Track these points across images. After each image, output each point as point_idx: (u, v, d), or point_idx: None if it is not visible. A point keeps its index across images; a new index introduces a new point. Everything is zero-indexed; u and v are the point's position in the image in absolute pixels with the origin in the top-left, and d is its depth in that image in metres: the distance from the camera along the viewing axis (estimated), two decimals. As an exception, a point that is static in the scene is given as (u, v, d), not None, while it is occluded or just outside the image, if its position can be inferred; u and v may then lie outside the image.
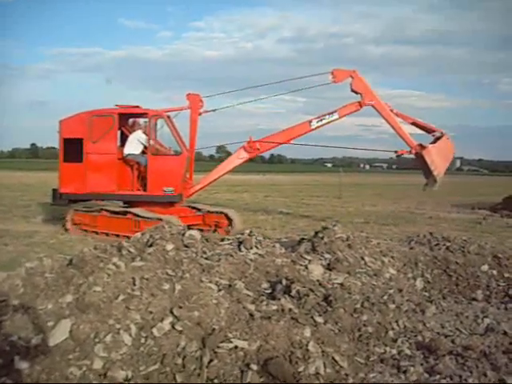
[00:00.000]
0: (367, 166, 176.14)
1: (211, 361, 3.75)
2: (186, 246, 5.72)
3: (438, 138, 13.90)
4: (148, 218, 11.58)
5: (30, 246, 10.52)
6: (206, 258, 5.59)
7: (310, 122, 13.73)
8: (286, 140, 13.96)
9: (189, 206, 13.63)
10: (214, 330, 4.04)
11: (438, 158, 13.42)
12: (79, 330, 3.88)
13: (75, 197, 12.83)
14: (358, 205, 23.72)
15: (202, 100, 13.36)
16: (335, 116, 13.78)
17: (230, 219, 12.95)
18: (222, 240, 6.95)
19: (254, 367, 3.70)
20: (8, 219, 15.19)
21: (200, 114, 13.35)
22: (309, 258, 6.98)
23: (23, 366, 3.68)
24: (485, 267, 8.04)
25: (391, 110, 14.00)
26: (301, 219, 16.78)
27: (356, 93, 13.77)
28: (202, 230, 11.53)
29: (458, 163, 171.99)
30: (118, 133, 13.13)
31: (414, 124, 14.67)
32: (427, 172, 13.59)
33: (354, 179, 51.22)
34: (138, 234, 6.11)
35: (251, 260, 6.00)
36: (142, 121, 13.24)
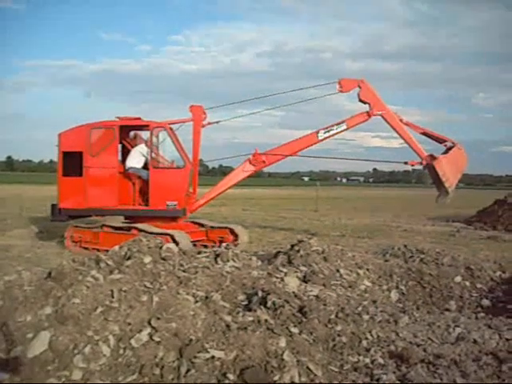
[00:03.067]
0: (344, 180, 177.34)
1: (188, 370, 3.82)
2: (164, 259, 5.78)
3: (449, 148, 13.55)
4: (155, 233, 10.91)
5: (7, 260, 10.46)
6: (184, 271, 5.66)
7: (318, 133, 13.44)
8: (293, 152, 13.64)
9: (193, 222, 13.36)
10: (191, 340, 4.12)
11: (449, 169, 13.08)
12: (58, 342, 3.93)
13: (75, 212, 12.51)
14: (335, 218, 23.96)
15: (204, 112, 13.11)
16: (343, 127, 13.50)
17: (235, 234, 12.74)
18: (199, 253, 7.02)
19: (231, 376, 3.79)
20: (-17, 233, 15.07)
21: (203, 125, 13.11)
22: (285, 270, 7.10)
23: (3, 377, 3.73)
24: (458, 278, 8.20)
25: (401, 120, 13.69)
26: (278, 232, 16.90)
27: (364, 103, 13.48)
28: (206, 246, 11.46)
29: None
30: (119, 146, 12.84)
31: (425, 134, 14.25)
32: (439, 184, 13.29)
33: (330, 193, 51.65)
34: (116, 248, 6.15)
35: (228, 272, 6.09)
36: (143, 134, 12.99)
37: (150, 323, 4.23)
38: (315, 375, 4.09)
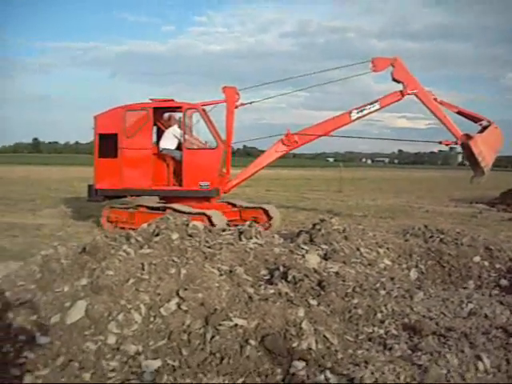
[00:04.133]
0: (369, 161, 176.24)
1: (213, 337, 4.13)
2: (190, 236, 6.08)
3: (485, 128, 13.26)
4: (191, 213, 11.23)
5: (39, 238, 10.88)
6: (209, 247, 5.96)
7: (350, 112, 13.30)
8: (326, 132, 13.53)
9: (225, 202, 13.45)
10: (216, 309, 4.43)
11: (485, 149, 12.83)
12: (94, 310, 4.27)
13: (111, 192, 12.73)
14: (358, 199, 24.03)
15: (238, 93, 13.18)
16: (376, 106, 13.35)
17: (268, 214, 12.80)
18: (224, 230, 7.32)
19: (253, 343, 4.10)
20: (15, 212, 15.60)
21: (236, 107, 13.15)
22: (306, 248, 7.34)
23: (44, 341, 4.08)
24: (477, 258, 8.31)
25: (435, 99, 13.49)
26: (301, 212, 17.08)
27: (398, 82, 13.30)
28: None
29: (459, 158, 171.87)
30: (154, 128, 12.98)
31: (460, 113, 13.89)
32: (474, 163, 13.05)
33: (355, 174, 51.53)
34: (145, 225, 6.47)
35: (251, 249, 6.38)
36: (178, 115, 13.01)
37: (178, 294, 4.55)
38: (331, 343, 4.39)
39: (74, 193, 22.84)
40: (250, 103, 13.62)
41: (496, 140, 13.26)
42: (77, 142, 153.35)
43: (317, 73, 14.41)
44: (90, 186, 12.90)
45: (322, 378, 3.84)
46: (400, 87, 13.30)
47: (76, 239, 10.40)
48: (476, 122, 13.62)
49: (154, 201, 13.16)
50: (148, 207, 12.39)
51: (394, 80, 13.28)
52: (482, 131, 13.19)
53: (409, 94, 13.18)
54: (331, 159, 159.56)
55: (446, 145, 13.61)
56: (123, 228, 11.82)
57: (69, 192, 23.32)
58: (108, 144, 12.31)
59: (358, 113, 13.25)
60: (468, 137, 12.89)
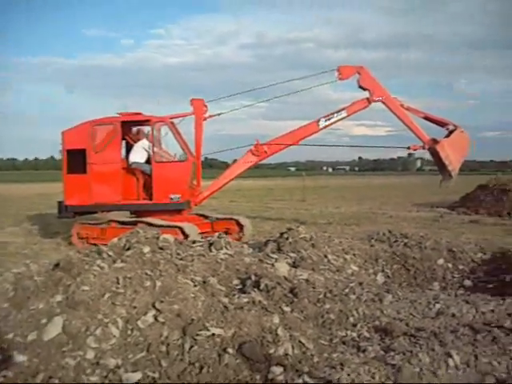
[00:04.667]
0: (330, 169, 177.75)
1: (192, 347, 4.20)
2: (161, 249, 6.11)
3: (451, 132, 13.44)
4: (164, 226, 11.19)
5: (5, 256, 10.71)
6: (181, 259, 6.00)
7: (318, 121, 13.45)
8: (294, 141, 13.64)
9: (197, 214, 13.43)
10: (192, 320, 4.50)
11: (452, 153, 13.03)
12: (71, 325, 4.29)
13: (80, 208, 12.58)
14: (322, 207, 24.29)
15: (205, 105, 13.16)
16: (343, 114, 13.53)
17: (240, 225, 12.86)
18: (194, 242, 7.38)
19: (230, 351, 4.18)
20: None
21: (205, 119, 13.13)
22: (275, 256, 7.45)
23: (22, 359, 4.08)
24: (441, 261, 8.58)
25: (401, 105, 13.65)
26: (266, 222, 17.19)
27: (364, 89, 13.49)
28: None
29: (418, 163, 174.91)
30: (123, 142, 12.94)
31: (426, 118, 14.05)
32: (442, 167, 13.29)
33: (317, 182, 51.92)
34: (115, 239, 6.47)
35: (222, 259, 6.46)
36: (146, 129, 12.99)
37: (154, 306, 4.60)
38: (307, 348, 4.51)
39: (36, 210, 22.55)
40: (219, 115, 13.64)
41: (462, 144, 13.44)
42: (36, 158, 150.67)
43: (280, 83, 14.68)
44: (59, 203, 12.79)
45: (300, 381, 3.94)
46: (366, 95, 13.53)
47: (43, 256, 10.34)
48: (442, 127, 13.82)
49: (124, 216, 13.13)
50: (119, 222, 12.32)
51: (361, 87, 13.50)
52: (448, 135, 13.42)
53: (375, 101, 13.42)
54: (292, 168, 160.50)
55: (414, 149, 13.80)
56: (95, 244, 11.44)
57: (31, 209, 23.00)
58: (76, 160, 12.22)
59: (325, 121, 13.43)
60: (435, 141, 13.17)
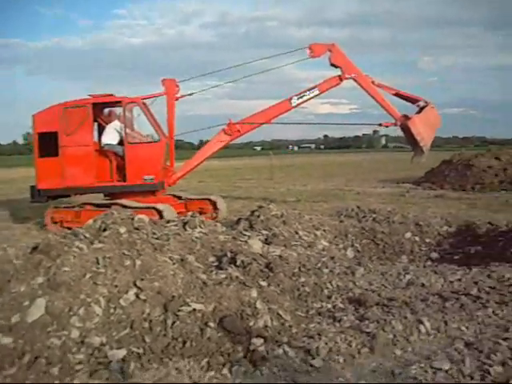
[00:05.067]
0: (296, 148, 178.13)
1: (174, 322, 4.32)
2: (137, 229, 6.18)
3: (422, 108, 13.48)
4: (140, 208, 11.10)
5: (-24, 242, 10.60)
6: (157, 238, 6.10)
7: (291, 99, 13.43)
8: (267, 120, 13.62)
9: (171, 195, 13.38)
10: (173, 296, 4.61)
11: (423, 129, 13.08)
12: (54, 306, 4.35)
13: (54, 192, 12.43)
14: (289, 185, 24.45)
15: (177, 85, 13.00)
16: (316, 92, 13.50)
17: (214, 205, 12.84)
18: (168, 222, 7.47)
19: (212, 325, 4.32)
20: None
21: (177, 99, 13.04)
22: (248, 234, 7.62)
23: (7, 341, 4.13)
24: (408, 234, 8.85)
25: (372, 82, 13.67)
26: (236, 201, 17.20)
27: (335, 67, 13.43)
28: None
29: (383, 140, 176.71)
30: (95, 124, 12.81)
31: (397, 95, 14.04)
32: (414, 143, 13.30)
33: (283, 161, 52.09)
34: (90, 221, 6.51)
35: (197, 238, 6.59)
36: (118, 110, 12.77)
37: (135, 284, 4.69)
38: (285, 320, 4.70)
39: (1, 195, 22.20)
40: (190, 94, 13.59)
41: (433, 120, 13.56)
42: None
43: (249, 62, 14.65)
44: (32, 187, 12.59)
45: (280, 351, 4.13)
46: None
47: (15, 241, 10.22)
48: (413, 103, 13.88)
49: (98, 198, 13.03)
50: (94, 204, 12.22)
51: (332, 65, 13.45)
52: (419, 112, 13.50)
53: (347, 79, 13.40)
54: (258, 148, 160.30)
55: (386, 126, 13.79)
56: (69, 228, 11.12)
57: (-5, 194, 22.61)
58: (48, 143, 12.04)
59: (298, 99, 13.41)
60: (406, 118, 13.20)
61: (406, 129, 13.22)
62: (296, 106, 13.52)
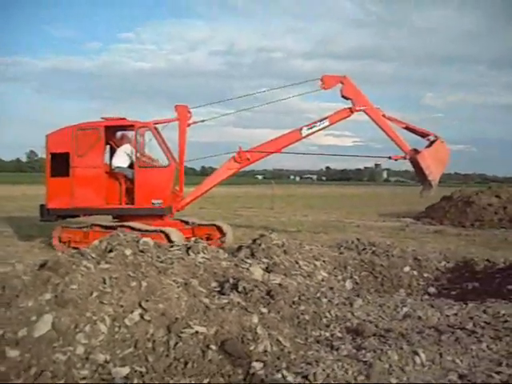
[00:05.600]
0: (297, 178, 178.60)
1: (176, 344, 4.45)
2: (142, 252, 6.34)
3: (432, 142, 13.52)
4: (148, 231, 11.29)
5: (-20, 258, 10.73)
6: (161, 262, 6.24)
7: (301, 129, 13.55)
8: (277, 149, 13.73)
9: (179, 220, 13.49)
10: (177, 319, 4.75)
11: (432, 163, 13.06)
12: (61, 323, 4.48)
13: (63, 212, 12.64)
14: (290, 215, 24.65)
15: (190, 111, 13.34)
16: (326, 123, 13.59)
17: (221, 231, 12.95)
18: (172, 246, 7.61)
19: (213, 347, 4.45)
20: None
21: (189, 125, 13.30)
22: (249, 261, 7.75)
23: (14, 354, 4.26)
24: (407, 268, 8.96)
25: (383, 115, 13.72)
26: (237, 229, 17.33)
27: (347, 98, 13.56)
28: None
29: (385, 174, 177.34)
30: (107, 147, 13.03)
31: (407, 128, 14.11)
32: (422, 177, 13.29)
33: (285, 191, 52.30)
34: (96, 242, 6.67)
35: (200, 263, 6.73)
36: (130, 134, 13.04)
37: (140, 305, 4.83)
38: (284, 346, 4.82)
39: (3, 212, 22.38)
40: (202, 121, 13.83)
41: (443, 154, 13.53)
42: (1, 160, 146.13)
43: (261, 92, 15.08)
44: (41, 206, 12.79)
45: (279, 376, 4.24)
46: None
47: (18, 258, 10.38)
48: (423, 137, 13.94)
49: (107, 220, 13.16)
50: (102, 226, 12.33)
51: (344, 97, 13.57)
52: (429, 146, 13.51)
53: (357, 111, 13.48)
54: (260, 176, 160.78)
55: (396, 159, 13.79)
56: (76, 248, 11.29)
57: (-1, 212, 22.76)
58: (60, 163, 12.27)
59: (308, 130, 13.51)
60: (416, 151, 13.21)
61: (415, 162, 13.25)
62: (306, 137, 13.63)
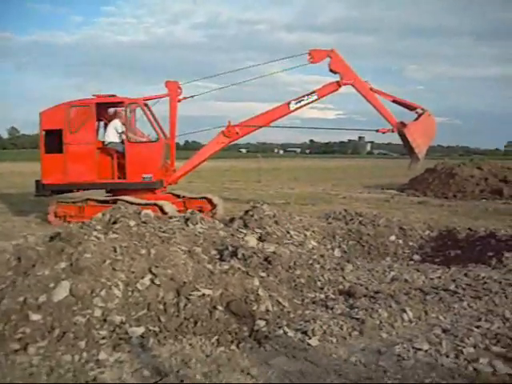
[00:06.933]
0: (281, 151, 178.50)
1: (186, 305, 4.85)
2: (144, 223, 6.70)
3: (420, 115, 13.60)
4: (143, 204, 11.34)
5: (-20, 233, 11.00)
6: (163, 232, 6.60)
7: (289, 103, 13.66)
8: (266, 123, 13.95)
9: (170, 193, 13.79)
10: (184, 283, 5.13)
11: (419, 136, 13.22)
12: (78, 288, 4.85)
13: (57, 187, 12.93)
14: (277, 188, 24.98)
15: (180, 87, 13.50)
16: (314, 97, 13.72)
17: (212, 204, 13.31)
18: (170, 218, 7.98)
19: (220, 308, 4.86)
20: None
21: (179, 100, 13.48)
22: (244, 231, 8.14)
23: (37, 318, 4.63)
24: (392, 237, 9.43)
25: (371, 89, 13.78)
26: (226, 202, 17.60)
27: (335, 72, 13.64)
28: None
29: (368, 147, 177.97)
30: (100, 123, 13.35)
31: (395, 101, 14.13)
32: (410, 150, 13.47)
33: (270, 164, 52.56)
34: (99, 215, 6.99)
35: (200, 233, 7.12)
36: (117, 109, 13.25)
37: (150, 270, 5.20)
38: (284, 306, 5.29)
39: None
40: (192, 97, 14.07)
41: (430, 127, 13.72)
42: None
43: (252, 66, 15.39)
44: (37, 182, 13.09)
45: (280, 332, 4.70)
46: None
47: (17, 232, 10.67)
48: (411, 110, 14.00)
49: (100, 194, 13.48)
50: (97, 200, 12.70)
51: (331, 71, 13.69)
52: (417, 119, 13.64)
53: (345, 85, 13.59)
54: (244, 150, 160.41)
55: (383, 132, 13.90)
56: (71, 222, 11.63)
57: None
58: (53, 140, 12.55)
59: (296, 103, 13.66)
60: (403, 124, 13.36)
61: (402, 135, 13.44)
62: (294, 111, 13.78)
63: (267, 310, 4.98)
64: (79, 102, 12.86)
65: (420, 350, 4.35)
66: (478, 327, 4.85)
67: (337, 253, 8.91)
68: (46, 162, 12.81)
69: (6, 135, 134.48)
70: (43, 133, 12.81)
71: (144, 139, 13.36)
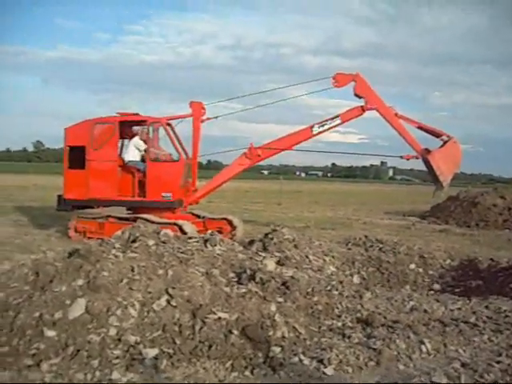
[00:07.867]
0: (303, 174, 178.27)
1: (201, 328, 4.82)
2: (164, 242, 6.69)
3: (445, 142, 13.39)
4: (162, 223, 11.41)
5: (1, 246, 11.09)
6: (182, 252, 6.58)
7: (312, 127, 13.60)
8: (288, 146, 13.96)
9: (190, 213, 13.83)
10: (201, 305, 5.10)
11: (443, 163, 12.99)
12: (94, 306, 4.85)
13: (78, 202, 13.04)
14: (297, 211, 24.88)
15: (204, 108, 13.58)
16: (338, 121, 13.61)
17: (232, 225, 13.29)
18: (190, 238, 7.96)
19: (235, 332, 4.82)
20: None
21: (203, 121, 13.61)
22: (263, 254, 8.08)
23: (51, 334, 4.64)
24: (412, 265, 9.28)
25: (395, 114, 13.60)
26: (246, 224, 17.59)
27: (359, 97, 13.55)
28: None
29: (390, 172, 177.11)
30: (122, 141, 13.49)
31: (420, 128, 14.01)
32: (434, 177, 13.27)
33: (291, 186, 52.48)
34: (119, 233, 7.02)
35: (218, 255, 7.07)
36: (139, 128, 13.39)
37: (167, 291, 5.19)
38: (300, 333, 5.20)
39: (16, 201, 22.72)
40: (216, 117, 14.14)
41: (455, 155, 13.45)
42: (8, 150, 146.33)
43: (277, 89, 15.43)
44: (59, 196, 13.22)
45: (296, 359, 4.62)
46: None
47: (36, 246, 10.76)
48: (437, 137, 13.83)
49: (121, 211, 13.53)
50: (117, 217, 12.77)
51: (356, 95, 13.57)
52: (442, 146, 13.44)
53: (370, 109, 13.46)
54: (266, 172, 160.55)
55: (407, 159, 13.73)
56: (91, 238, 11.96)
57: (12, 201, 23.02)
58: (77, 156, 12.72)
59: (319, 127, 13.57)
60: (427, 151, 13.19)
61: (427, 162, 13.25)
62: (317, 135, 13.67)
63: (283, 337, 4.93)
64: (103, 120, 13.08)
65: (438, 384, 4.25)
66: (498, 362, 4.72)
67: (356, 279, 8.79)
68: (69, 177, 13.00)
69: (31, 148, 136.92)
70: (67, 148, 13.00)
71: (165, 158, 13.40)
